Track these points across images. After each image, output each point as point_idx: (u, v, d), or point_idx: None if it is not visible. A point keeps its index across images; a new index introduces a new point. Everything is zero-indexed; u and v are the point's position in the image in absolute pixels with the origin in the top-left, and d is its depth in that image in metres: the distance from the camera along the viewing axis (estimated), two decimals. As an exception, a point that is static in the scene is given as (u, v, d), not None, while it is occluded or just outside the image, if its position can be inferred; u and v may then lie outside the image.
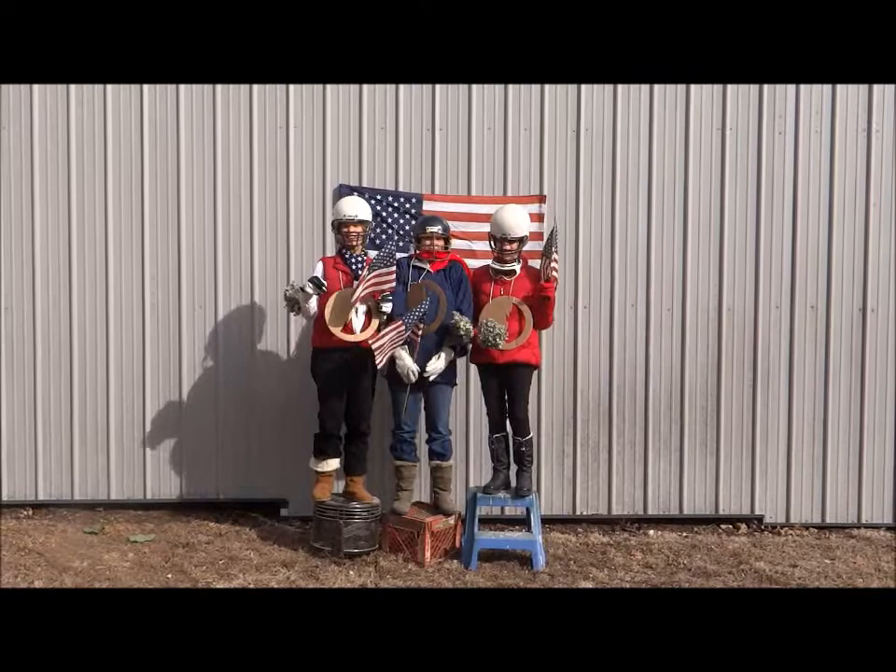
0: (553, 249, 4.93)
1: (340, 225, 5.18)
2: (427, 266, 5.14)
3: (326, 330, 5.03)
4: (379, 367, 4.92)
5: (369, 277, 4.89)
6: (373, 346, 4.81)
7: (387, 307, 5.02)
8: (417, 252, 5.20)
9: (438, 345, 5.07)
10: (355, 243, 5.18)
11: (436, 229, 5.15)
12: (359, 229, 5.17)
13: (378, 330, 4.96)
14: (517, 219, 5.07)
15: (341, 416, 5.21)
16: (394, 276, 4.97)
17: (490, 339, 4.89)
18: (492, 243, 5.14)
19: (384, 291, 4.98)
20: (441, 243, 5.16)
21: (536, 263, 5.20)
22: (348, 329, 5.03)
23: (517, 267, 5.10)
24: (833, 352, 5.79)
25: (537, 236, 5.48)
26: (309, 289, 5.00)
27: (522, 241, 5.09)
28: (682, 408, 5.80)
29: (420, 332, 4.99)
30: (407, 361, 5.01)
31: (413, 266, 5.16)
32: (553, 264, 4.94)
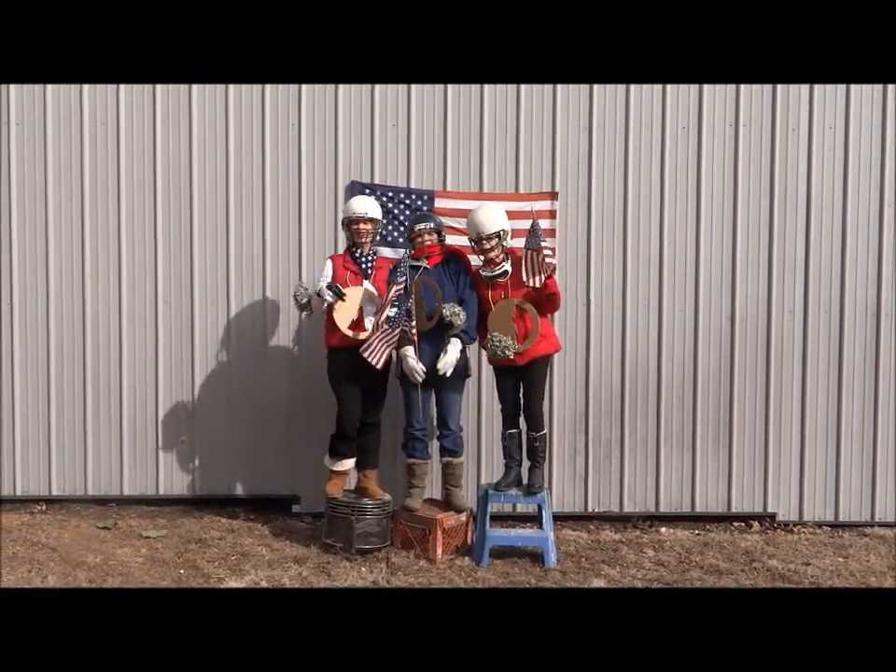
0: (539, 242, 4.79)
1: (349, 223, 5.19)
2: (424, 263, 5.14)
3: (338, 330, 5.06)
4: (378, 366, 4.91)
5: (391, 292, 4.93)
6: (363, 352, 4.85)
7: (392, 312, 5.01)
8: (412, 252, 5.20)
9: (442, 340, 5.04)
10: (364, 240, 5.19)
11: (424, 225, 5.14)
12: (369, 226, 5.18)
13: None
14: (489, 215, 5.01)
15: (357, 418, 5.21)
16: (403, 284, 4.96)
17: (499, 353, 4.87)
18: (474, 247, 5.10)
19: (391, 298, 4.98)
20: (433, 237, 5.15)
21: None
22: (357, 327, 5.04)
23: (508, 266, 5.03)
24: (847, 348, 5.75)
25: (550, 233, 5.49)
26: (329, 297, 4.99)
27: (500, 236, 4.99)
28: (695, 405, 5.78)
29: (414, 330, 4.97)
30: (411, 361, 5.00)
31: (410, 266, 5.13)
32: (545, 255, 4.78)
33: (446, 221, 5.49)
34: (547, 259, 4.82)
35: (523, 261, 4.85)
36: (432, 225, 5.16)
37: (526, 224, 4.99)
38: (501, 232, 5.00)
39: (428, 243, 5.14)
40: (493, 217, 5.01)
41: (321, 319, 5.31)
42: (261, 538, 5.37)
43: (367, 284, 5.14)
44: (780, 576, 4.81)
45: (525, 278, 4.83)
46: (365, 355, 4.86)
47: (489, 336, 4.93)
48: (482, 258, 5.09)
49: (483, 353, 5.40)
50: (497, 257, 5.03)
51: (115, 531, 5.45)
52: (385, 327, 4.89)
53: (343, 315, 5.02)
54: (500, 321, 4.94)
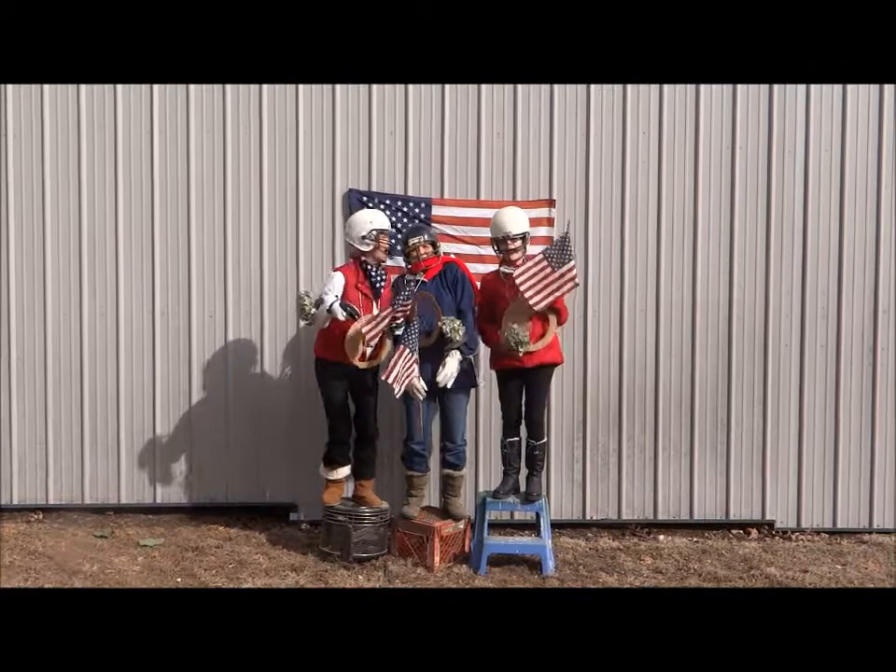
0: (568, 258, 4.76)
1: (378, 235, 5.07)
2: (421, 276, 5.11)
3: (331, 343, 5.03)
4: (396, 395, 4.83)
5: (383, 316, 4.87)
6: (389, 381, 4.72)
7: (399, 331, 5.01)
8: (409, 267, 5.18)
9: (440, 352, 5.01)
10: (386, 255, 5.19)
11: (418, 239, 5.11)
12: (388, 239, 5.20)
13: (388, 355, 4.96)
14: (515, 217, 5.00)
15: (349, 423, 5.20)
16: (409, 306, 4.90)
17: (513, 345, 4.80)
18: (495, 247, 5.09)
19: (397, 318, 4.94)
20: (428, 249, 5.13)
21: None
22: (363, 357, 5.02)
23: None
24: (845, 355, 5.76)
25: (548, 241, 5.47)
26: (341, 317, 4.90)
27: (524, 238, 5.01)
28: (692, 412, 5.78)
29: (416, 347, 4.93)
30: (414, 380, 4.91)
31: (408, 281, 5.11)
32: (569, 279, 4.76)
33: (444, 229, 5.51)
34: (567, 284, 4.77)
35: (533, 274, 4.80)
36: (426, 237, 5.13)
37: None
38: (526, 235, 5.02)
39: (424, 256, 5.11)
40: (519, 219, 5.01)
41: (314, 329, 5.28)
42: (259, 546, 5.35)
43: (376, 311, 5.04)
44: (779, 583, 4.80)
45: (529, 294, 4.78)
46: (387, 379, 4.71)
47: (506, 326, 4.87)
48: (504, 257, 5.04)
49: (484, 361, 5.41)
50: (519, 259, 5.01)
51: (112, 540, 5.44)
52: (407, 352, 4.77)
53: (357, 346, 4.97)
54: (518, 318, 4.90)
